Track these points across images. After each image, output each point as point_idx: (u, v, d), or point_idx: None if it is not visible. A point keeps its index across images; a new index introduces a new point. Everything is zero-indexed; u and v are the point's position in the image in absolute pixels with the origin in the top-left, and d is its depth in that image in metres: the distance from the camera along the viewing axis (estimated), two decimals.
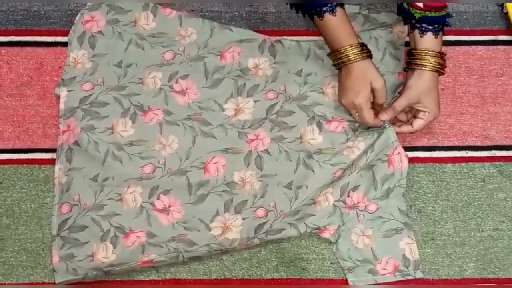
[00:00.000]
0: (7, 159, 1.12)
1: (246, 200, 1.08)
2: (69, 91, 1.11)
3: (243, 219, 1.07)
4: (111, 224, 1.05)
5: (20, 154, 1.12)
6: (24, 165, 1.12)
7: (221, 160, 1.09)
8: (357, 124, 1.10)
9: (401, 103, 1.04)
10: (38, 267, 1.08)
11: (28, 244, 1.09)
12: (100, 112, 1.10)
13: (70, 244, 1.05)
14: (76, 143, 1.08)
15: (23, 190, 1.11)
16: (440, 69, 1.03)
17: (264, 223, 1.07)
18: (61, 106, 1.11)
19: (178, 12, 1.16)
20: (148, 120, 1.10)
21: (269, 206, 1.08)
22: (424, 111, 1.04)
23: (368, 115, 1.04)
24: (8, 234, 1.09)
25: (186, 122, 1.10)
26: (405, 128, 1.07)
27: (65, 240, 1.05)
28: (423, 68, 1.02)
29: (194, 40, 1.15)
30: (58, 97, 1.12)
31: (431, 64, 1.02)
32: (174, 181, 1.08)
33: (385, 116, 1.05)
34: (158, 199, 1.07)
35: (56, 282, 1.05)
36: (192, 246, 1.05)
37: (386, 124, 1.07)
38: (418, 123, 1.05)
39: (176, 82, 1.12)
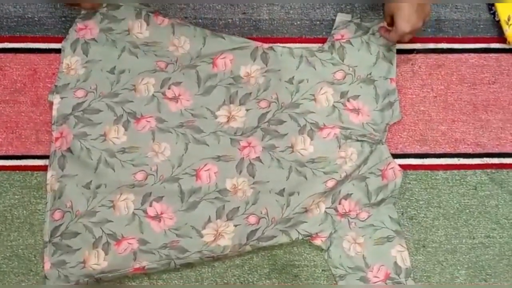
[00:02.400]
0: (0, 165, 1.12)
1: (238, 207, 1.08)
2: (62, 98, 1.11)
3: (235, 226, 1.07)
4: (103, 231, 1.05)
5: (12, 161, 1.12)
6: (17, 171, 1.12)
7: (213, 167, 1.09)
8: (349, 131, 1.11)
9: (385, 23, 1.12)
10: (30, 273, 1.08)
11: (20, 250, 1.09)
12: (93, 119, 1.10)
13: (62, 250, 1.05)
14: (69, 150, 1.08)
15: (16, 197, 1.11)
16: None
17: (256, 230, 1.07)
18: (54, 113, 1.11)
19: (170, 20, 1.16)
20: (140, 128, 1.10)
21: (261, 213, 1.08)
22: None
23: None
24: (0, 241, 1.09)
25: (179, 129, 1.10)
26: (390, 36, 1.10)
27: (57, 247, 1.05)
28: None
29: (187, 50, 1.14)
30: (51, 103, 1.12)
31: None
32: (166, 188, 1.08)
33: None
34: (150, 206, 1.07)
35: None
36: (184, 253, 1.05)
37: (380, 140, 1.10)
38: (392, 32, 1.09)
39: (169, 89, 1.12)
